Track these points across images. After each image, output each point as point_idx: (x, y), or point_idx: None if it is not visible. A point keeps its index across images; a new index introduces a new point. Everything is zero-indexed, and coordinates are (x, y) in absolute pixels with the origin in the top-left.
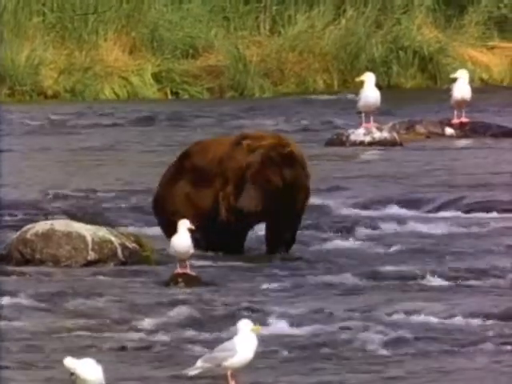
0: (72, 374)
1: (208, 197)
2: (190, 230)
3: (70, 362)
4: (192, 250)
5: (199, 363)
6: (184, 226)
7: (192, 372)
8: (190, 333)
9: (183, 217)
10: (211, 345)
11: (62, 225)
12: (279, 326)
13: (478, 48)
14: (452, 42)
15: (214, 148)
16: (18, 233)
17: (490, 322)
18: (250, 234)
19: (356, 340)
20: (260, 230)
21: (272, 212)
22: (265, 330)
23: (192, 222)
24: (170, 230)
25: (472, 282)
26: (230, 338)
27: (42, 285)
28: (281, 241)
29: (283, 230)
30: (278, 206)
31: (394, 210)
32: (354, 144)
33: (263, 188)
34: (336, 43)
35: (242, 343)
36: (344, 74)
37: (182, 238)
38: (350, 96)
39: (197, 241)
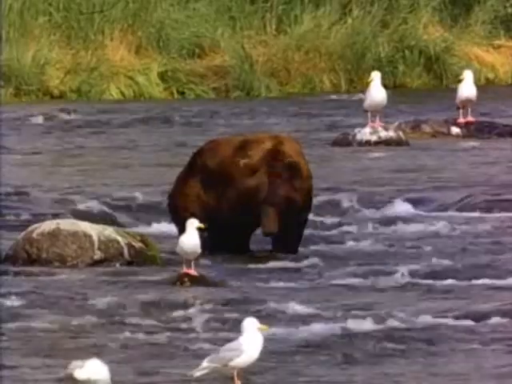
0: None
1: (213, 197)
2: (199, 229)
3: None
4: (199, 250)
5: (205, 363)
6: (192, 225)
7: (198, 372)
8: (196, 332)
9: (193, 215)
10: (217, 344)
11: (68, 224)
12: (286, 325)
13: (484, 47)
14: (458, 41)
15: (222, 149)
16: (24, 232)
17: (496, 321)
18: (256, 234)
19: (360, 340)
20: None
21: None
22: (271, 330)
23: (200, 220)
24: (183, 228)
25: (476, 282)
26: (235, 338)
27: (47, 284)
28: (287, 240)
29: (289, 230)
30: (297, 216)
31: (401, 209)
32: (360, 143)
33: (281, 207)
34: (342, 43)
35: (248, 343)
36: (350, 74)
37: (190, 238)
38: (357, 96)
39: (204, 240)
